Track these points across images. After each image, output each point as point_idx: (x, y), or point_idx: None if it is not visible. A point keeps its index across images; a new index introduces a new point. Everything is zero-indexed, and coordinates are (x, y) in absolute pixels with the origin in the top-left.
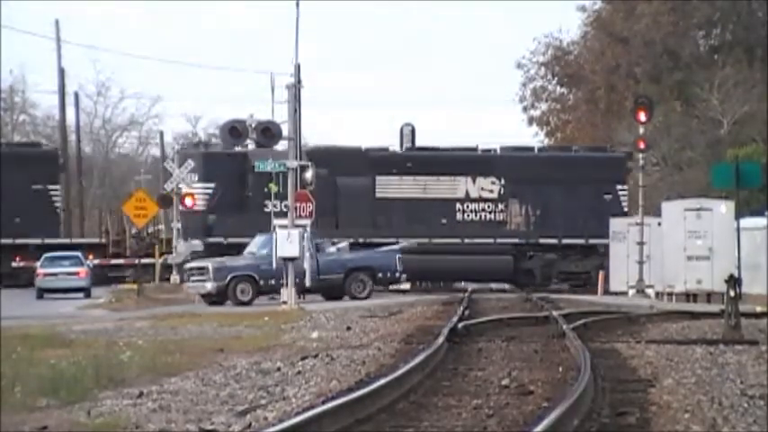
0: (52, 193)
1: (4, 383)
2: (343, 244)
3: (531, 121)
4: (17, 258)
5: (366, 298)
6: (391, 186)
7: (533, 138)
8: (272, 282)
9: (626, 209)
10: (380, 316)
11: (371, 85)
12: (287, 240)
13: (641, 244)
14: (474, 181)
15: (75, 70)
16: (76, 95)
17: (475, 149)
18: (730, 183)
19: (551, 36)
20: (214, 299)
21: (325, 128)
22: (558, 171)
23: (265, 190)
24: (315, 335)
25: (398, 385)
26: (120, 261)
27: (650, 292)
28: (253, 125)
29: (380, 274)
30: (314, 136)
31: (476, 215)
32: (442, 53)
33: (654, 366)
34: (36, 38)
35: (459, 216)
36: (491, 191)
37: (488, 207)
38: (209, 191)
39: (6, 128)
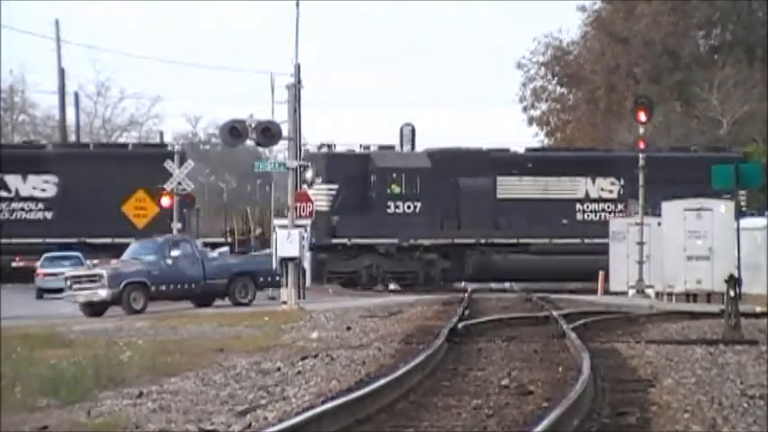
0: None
1: (4, 383)
2: (224, 249)
3: (531, 121)
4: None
5: (249, 303)
6: (512, 187)
7: (533, 138)
8: (163, 288)
9: (744, 208)
10: (380, 316)
11: (371, 85)
12: (287, 240)
13: (641, 244)
14: (593, 181)
15: (75, 70)
16: (76, 95)
17: (595, 150)
18: (730, 183)
19: (551, 36)
20: (98, 309)
21: (326, 128)
22: (676, 171)
23: (387, 191)
24: (315, 335)
25: (398, 385)
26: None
27: (650, 292)
28: (253, 125)
29: (261, 279)
30: (314, 136)
31: (595, 215)
32: (442, 53)
33: (654, 366)
34: (36, 38)
35: (579, 216)
36: (610, 191)
37: (608, 207)
38: (333, 192)
39: (6, 128)
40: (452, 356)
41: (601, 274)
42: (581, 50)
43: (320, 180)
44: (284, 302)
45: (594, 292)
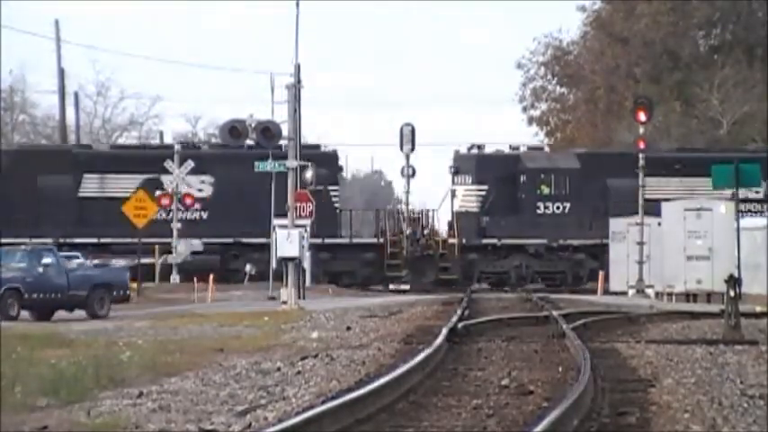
0: (332, 193)
1: (4, 383)
2: (83, 260)
3: (530, 121)
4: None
5: (105, 316)
6: (659, 187)
7: (533, 138)
8: (35, 296)
9: None
10: (380, 316)
11: (371, 85)
12: (287, 240)
13: (641, 244)
14: None
15: (75, 70)
16: (76, 95)
17: (743, 149)
18: (730, 183)
19: (551, 36)
20: None
21: (326, 128)
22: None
23: (537, 192)
24: (315, 335)
25: (398, 385)
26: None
27: (650, 292)
28: (253, 125)
29: (115, 292)
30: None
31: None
32: (442, 53)
33: (654, 366)
34: (36, 38)
35: None
36: (757, 191)
37: (753, 207)
38: (483, 193)
39: (6, 128)
40: (452, 356)
41: (601, 273)
42: (581, 50)
43: (470, 181)
44: (284, 302)
45: (594, 291)
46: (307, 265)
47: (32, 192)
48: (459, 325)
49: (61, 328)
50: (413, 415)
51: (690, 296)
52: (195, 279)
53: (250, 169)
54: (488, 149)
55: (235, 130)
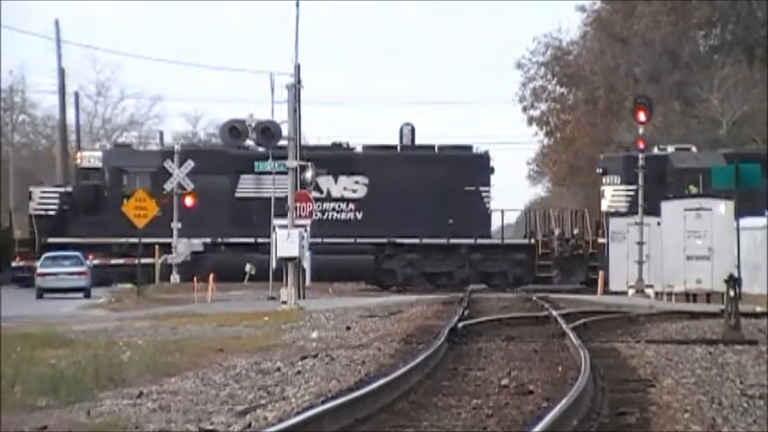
0: (484, 194)
1: (4, 383)
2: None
3: (530, 120)
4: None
5: None
6: None
7: (533, 137)
8: None
9: None
10: (380, 316)
11: (371, 85)
12: (287, 240)
13: (641, 244)
14: None
15: (75, 70)
16: (76, 95)
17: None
18: (730, 183)
19: (551, 36)
20: None
21: (325, 128)
22: None
23: (685, 192)
24: (315, 335)
25: (398, 385)
26: (120, 261)
27: (650, 291)
28: (253, 125)
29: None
30: (314, 136)
31: None
32: (442, 53)
33: (654, 366)
34: (36, 38)
35: None
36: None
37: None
38: (631, 193)
39: (6, 128)
40: (452, 356)
41: (600, 273)
42: (581, 50)
43: (618, 181)
44: (284, 302)
45: (594, 291)
46: (307, 265)
47: (193, 191)
48: (460, 325)
49: (61, 329)
50: (413, 415)
51: (690, 296)
52: (195, 279)
53: (404, 170)
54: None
55: (235, 130)
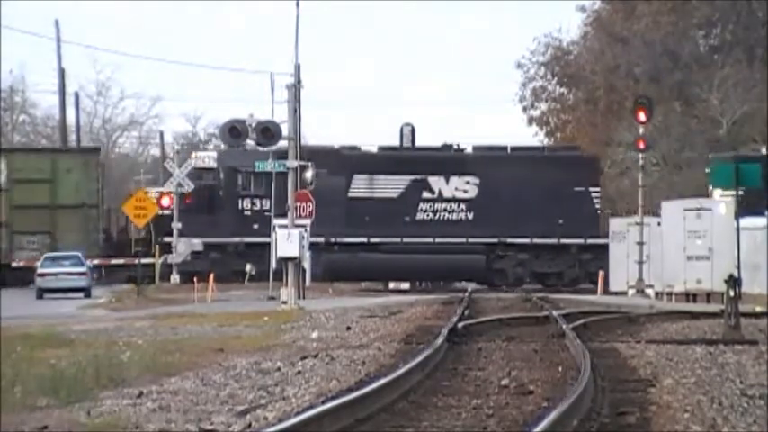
0: (594, 195)
1: (4, 383)
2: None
3: (530, 121)
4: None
5: None
6: None
7: (533, 137)
8: None
9: None
10: (380, 316)
11: (371, 85)
12: (287, 240)
13: (641, 244)
14: None
15: (75, 70)
16: (76, 95)
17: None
18: (730, 182)
19: (551, 36)
20: None
21: (325, 128)
22: None
23: None
24: (315, 335)
25: (398, 385)
26: (120, 261)
27: (650, 291)
28: (253, 125)
29: None
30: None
31: None
32: (442, 53)
33: (654, 366)
34: (36, 38)
35: None
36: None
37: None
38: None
39: (6, 128)
40: (452, 356)
41: (600, 273)
42: (581, 50)
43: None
44: (284, 302)
45: (595, 291)
46: (307, 264)
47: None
48: (460, 325)
49: (61, 329)
50: (413, 415)
51: (690, 296)
52: (195, 279)
53: (514, 170)
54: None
55: (235, 130)
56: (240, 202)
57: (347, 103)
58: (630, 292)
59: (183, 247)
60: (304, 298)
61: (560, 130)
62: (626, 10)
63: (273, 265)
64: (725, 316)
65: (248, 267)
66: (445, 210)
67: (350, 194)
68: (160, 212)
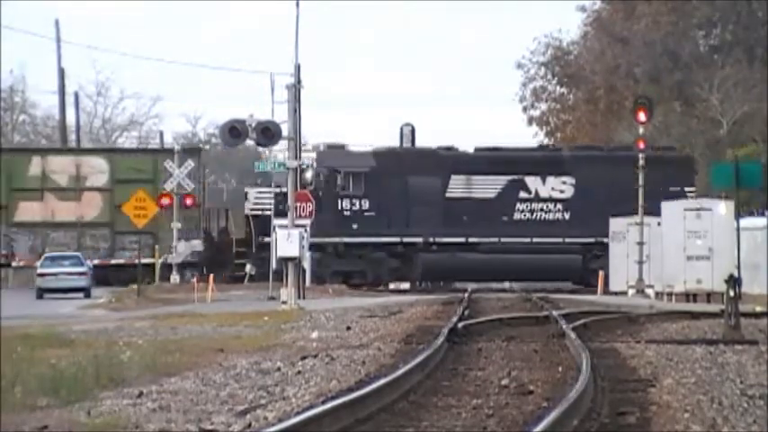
0: (689, 195)
1: (4, 383)
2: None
3: (530, 121)
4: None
5: None
6: None
7: (533, 138)
8: None
9: None
10: (380, 316)
11: (371, 85)
12: (287, 240)
13: (641, 244)
14: None
15: (75, 70)
16: (76, 95)
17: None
18: (730, 183)
19: (551, 36)
20: None
21: (325, 128)
22: None
23: None
24: (315, 335)
25: (398, 385)
26: (121, 261)
27: (650, 292)
28: (253, 125)
29: None
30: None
31: None
32: (442, 53)
33: (654, 366)
34: (36, 38)
35: None
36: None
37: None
38: None
39: (6, 128)
40: (452, 356)
41: (600, 273)
42: (581, 50)
43: None
44: (284, 302)
45: (595, 291)
46: (307, 264)
47: (404, 192)
48: (460, 325)
49: (61, 329)
50: (413, 415)
51: (690, 296)
52: (195, 279)
53: (610, 170)
54: None
55: (235, 130)
56: (339, 202)
57: (347, 103)
58: (630, 292)
59: (183, 248)
60: (304, 298)
61: (560, 130)
62: (626, 10)
63: (273, 265)
64: (725, 316)
65: (248, 267)
66: (542, 210)
67: (447, 195)
68: (260, 212)
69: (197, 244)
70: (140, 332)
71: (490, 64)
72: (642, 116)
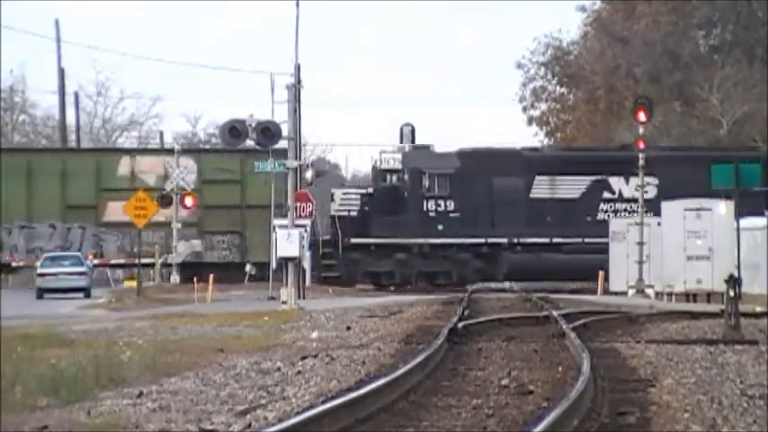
0: None
1: (4, 383)
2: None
3: (530, 121)
4: None
5: None
6: None
7: (533, 137)
8: None
9: None
10: (380, 316)
11: (371, 84)
12: (287, 240)
13: (641, 244)
14: None
15: (75, 70)
16: (76, 95)
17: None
18: (730, 182)
19: (551, 36)
20: None
21: (325, 128)
22: None
23: None
24: (315, 335)
25: (398, 385)
26: (121, 260)
27: (650, 292)
28: (253, 125)
29: None
30: (314, 136)
31: None
32: (442, 53)
33: (654, 366)
34: (36, 38)
35: None
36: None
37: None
38: None
39: (6, 128)
40: (452, 356)
41: (600, 273)
42: (581, 50)
43: None
44: (284, 302)
45: (594, 291)
46: (307, 264)
47: (488, 193)
48: (460, 325)
49: (61, 329)
50: (413, 415)
51: (690, 296)
52: (195, 279)
53: (692, 170)
54: None
55: (235, 130)
56: (425, 203)
57: (347, 103)
58: (630, 292)
59: (183, 248)
60: (304, 298)
61: (560, 130)
62: (626, 10)
63: (273, 265)
64: (725, 316)
65: (248, 267)
66: (625, 210)
67: (532, 195)
68: (346, 213)
69: (197, 244)
70: (140, 332)
71: (490, 64)
72: (642, 116)
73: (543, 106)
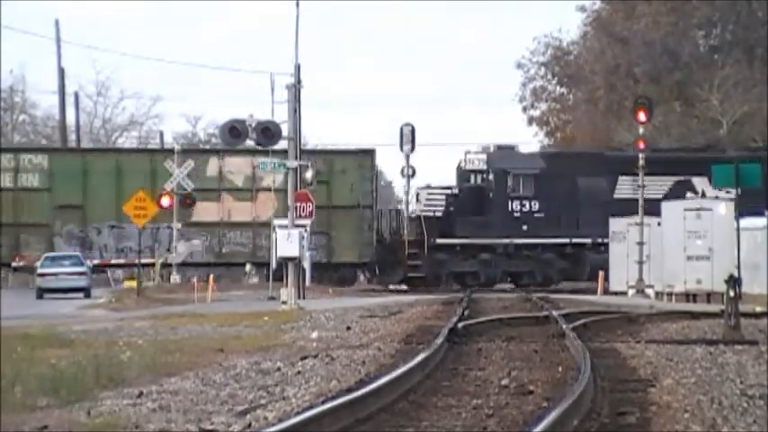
0: None
1: (4, 383)
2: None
3: (530, 121)
4: None
5: None
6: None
7: (533, 137)
8: None
9: None
10: (380, 316)
11: (371, 84)
12: (287, 240)
13: (641, 244)
14: None
15: (75, 70)
16: (76, 95)
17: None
18: (730, 182)
19: (551, 36)
20: None
21: (326, 128)
22: None
23: None
24: (315, 335)
25: (398, 385)
26: (121, 260)
27: (650, 292)
28: (253, 125)
29: None
30: (314, 136)
31: None
32: (442, 53)
33: (654, 366)
34: (36, 38)
35: None
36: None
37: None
38: None
39: (6, 128)
40: (452, 356)
41: (600, 273)
42: (581, 50)
43: None
44: (284, 302)
45: (595, 291)
46: (307, 265)
47: (573, 193)
48: (460, 325)
49: (61, 329)
50: (413, 415)
51: (689, 296)
52: (195, 279)
53: None
54: None
55: (235, 130)
56: (510, 203)
57: (347, 103)
58: (630, 292)
59: (183, 248)
60: (304, 298)
61: (560, 130)
62: (626, 10)
63: (273, 264)
64: (725, 316)
65: (248, 267)
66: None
67: (615, 196)
68: (432, 213)
69: (197, 244)
70: (140, 332)
71: (490, 64)
72: (642, 116)
73: (543, 106)
